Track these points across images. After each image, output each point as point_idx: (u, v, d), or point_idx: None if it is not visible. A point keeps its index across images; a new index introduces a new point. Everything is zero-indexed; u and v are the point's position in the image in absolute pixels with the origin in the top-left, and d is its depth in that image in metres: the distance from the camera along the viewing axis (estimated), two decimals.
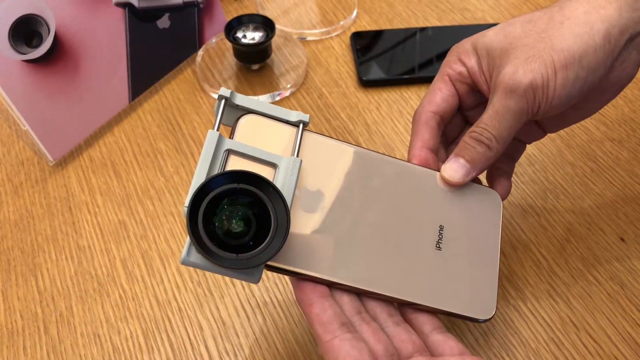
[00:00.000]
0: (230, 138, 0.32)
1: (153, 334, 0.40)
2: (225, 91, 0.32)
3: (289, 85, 0.56)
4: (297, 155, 0.32)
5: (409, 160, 0.36)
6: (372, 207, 0.33)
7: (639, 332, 0.40)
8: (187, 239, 0.28)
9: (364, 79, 0.56)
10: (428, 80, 0.56)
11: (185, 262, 0.28)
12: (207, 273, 0.43)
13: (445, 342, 0.31)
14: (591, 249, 0.44)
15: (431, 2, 0.65)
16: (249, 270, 0.29)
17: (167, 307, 0.42)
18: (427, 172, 0.35)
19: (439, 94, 0.37)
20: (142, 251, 0.45)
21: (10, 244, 0.45)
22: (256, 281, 0.29)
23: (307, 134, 0.33)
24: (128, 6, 0.51)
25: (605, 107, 0.54)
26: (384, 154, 0.35)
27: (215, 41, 0.60)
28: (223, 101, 0.32)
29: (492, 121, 0.34)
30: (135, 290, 0.43)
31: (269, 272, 0.43)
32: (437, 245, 0.34)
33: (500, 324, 0.41)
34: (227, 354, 0.39)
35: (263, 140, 0.32)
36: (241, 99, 0.33)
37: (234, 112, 0.33)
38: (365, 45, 0.60)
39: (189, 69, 0.58)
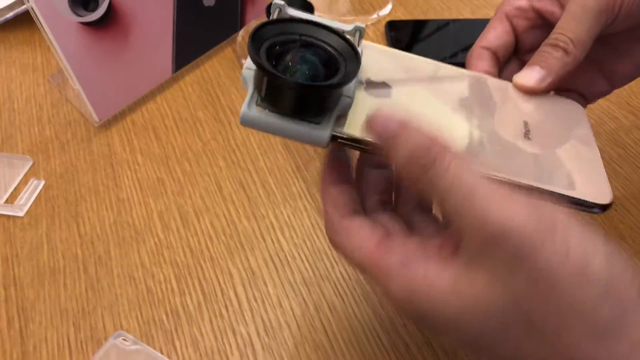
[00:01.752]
0: None
1: (185, 279, 0.42)
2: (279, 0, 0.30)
3: None
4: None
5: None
6: (447, 104, 0.31)
7: None
8: (248, 94, 0.27)
9: None
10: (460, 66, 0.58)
11: (244, 119, 0.26)
12: (239, 228, 0.45)
13: None
14: (616, 228, 0.45)
15: None
16: (317, 126, 0.26)
17: (200, 256, 0.44)
18: (501, 83, 0.33)
19: (492, 32, 0.35)
20: (178, 205, 0.47)
21: (55, 193, 0.48)
22: (325, 141, 0.26)
23: (367, 44, 0.31)
24: None
25: (635, 98, 0.55)
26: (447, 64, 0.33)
27: (256, 23, 0.62)
28: (277, 10, 0.30)
29: (568, 24, 0.31)
30: (170, 240, 0.45)
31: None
32: (527, 137, 0.31)
33: None
34: (255, 300, 0.41)
35: None
36: (294, 12, 0.30)
37: None
38: (399, 33, 0.62)
39: (229, 47, 0.61)
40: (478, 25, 0.63)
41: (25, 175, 0.49)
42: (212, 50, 0.60)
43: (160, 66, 0.56)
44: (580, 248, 0.22)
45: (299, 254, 0.43)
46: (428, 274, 0.24)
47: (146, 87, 0.55)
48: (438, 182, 0.23)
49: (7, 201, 0.47)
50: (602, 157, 0.50)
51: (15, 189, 0.48)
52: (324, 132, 0.27)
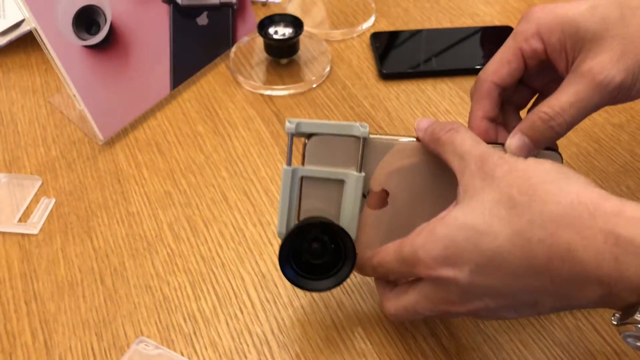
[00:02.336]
0: (302, 162, 0.38)
1: (200, 285, 0.45)
2: (290, 124, 0.36)
3: (314, 78, 0.61)
4: (361, 169, 0.37)
5: (470, 126, 0.38)
6: (434, 192, 0.38)
7: None
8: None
9: (384, 72, 0.61)
10: (441, 73, 0.61)
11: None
12: (246, 234, 0.48)
13: None
14: None
15: (443, 7, 0.71)
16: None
17: (212, 263, 0.46)
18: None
19: (506, 68, 0.36)
20: (187, 216, 0.49)
21: (66, 210, 0.50)
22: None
23: (369, 140, 0.37)
24: (172, 3, 0.57)
25: None
26: None
27: (247, 40, 0.65)
28: (291, 137, 0.37)
29: (570, 109, 0.33)
30: (182, 249, 0.47)
31: None
32: None
33: None
34: (268, 302, 0.43)
35: (331, 155, 0.37)
36: (306, 126, 0.37)
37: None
38: (383, 43, 0.65)
39: (222, 64, 0.64)
40: (457, 33, 0.67)
41: (36, 194, 0.51)
42: (206, 67, 0.63)
43: (159, 84, 0.58)
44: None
45: None
46: (437, 220, 0.33)
47: (146, 105, 0.58)
48: (454, 139, 0.34)
49: (20, 220, 0.49)
50: (580, 153, 0.54)
51: (27, 208, 0.50)
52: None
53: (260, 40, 0.64)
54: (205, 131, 0.57)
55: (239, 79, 0.61)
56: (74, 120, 0.57)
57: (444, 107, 0.59)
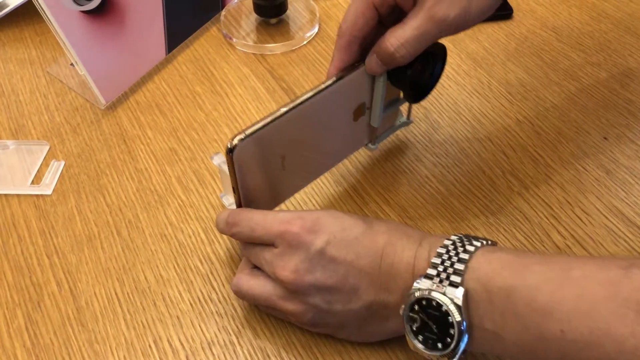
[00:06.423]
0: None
1: (212, 230, 0.47)
2: None
3: (304, 35, 0.63)
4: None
5: (328, 75, 0.42)
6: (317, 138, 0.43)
7: (624, 205, 0.47)
8: None
9: None
10: None
11: None
12: None
13: None
14: (580, 147, 0.52)
15: None
16: None
17: (222, 210, 0.48)
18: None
19: (362, 19, 0.41)
20: (194, 170, 0.51)
21: (76, 171, 0.52)
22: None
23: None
24: None
25: (584, 39, 0.62)
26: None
27: (236, 2, 0.67)
28: None
29: (412, 41, 0.39)
30: (192, 199, 0.49)
31: None
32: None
33: (507, 206, 0.48)
34: None
35: None
36: None
37: None
38: None
39: (214, 27, 0.65)
40: None
41: (45, 158, 0.53)
42: (199, 30, 0.64)
43: (155, 48, 0.60)
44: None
45: (310, 200, 0.49)
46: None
47: (144, 69, 0.59)
48: None
49: (33, 183, 0.51)
50: (562, 91, 0.57)
51: (38, 171, 0.52)
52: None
53: (248, 3, 0.66)
54: (203, 91, 0.59)
55: (231, 40, 0.63)
56: (74, 88, 0.59)
57: None
